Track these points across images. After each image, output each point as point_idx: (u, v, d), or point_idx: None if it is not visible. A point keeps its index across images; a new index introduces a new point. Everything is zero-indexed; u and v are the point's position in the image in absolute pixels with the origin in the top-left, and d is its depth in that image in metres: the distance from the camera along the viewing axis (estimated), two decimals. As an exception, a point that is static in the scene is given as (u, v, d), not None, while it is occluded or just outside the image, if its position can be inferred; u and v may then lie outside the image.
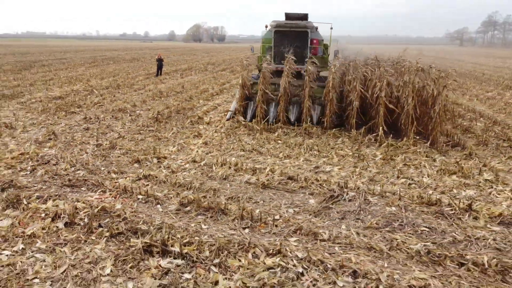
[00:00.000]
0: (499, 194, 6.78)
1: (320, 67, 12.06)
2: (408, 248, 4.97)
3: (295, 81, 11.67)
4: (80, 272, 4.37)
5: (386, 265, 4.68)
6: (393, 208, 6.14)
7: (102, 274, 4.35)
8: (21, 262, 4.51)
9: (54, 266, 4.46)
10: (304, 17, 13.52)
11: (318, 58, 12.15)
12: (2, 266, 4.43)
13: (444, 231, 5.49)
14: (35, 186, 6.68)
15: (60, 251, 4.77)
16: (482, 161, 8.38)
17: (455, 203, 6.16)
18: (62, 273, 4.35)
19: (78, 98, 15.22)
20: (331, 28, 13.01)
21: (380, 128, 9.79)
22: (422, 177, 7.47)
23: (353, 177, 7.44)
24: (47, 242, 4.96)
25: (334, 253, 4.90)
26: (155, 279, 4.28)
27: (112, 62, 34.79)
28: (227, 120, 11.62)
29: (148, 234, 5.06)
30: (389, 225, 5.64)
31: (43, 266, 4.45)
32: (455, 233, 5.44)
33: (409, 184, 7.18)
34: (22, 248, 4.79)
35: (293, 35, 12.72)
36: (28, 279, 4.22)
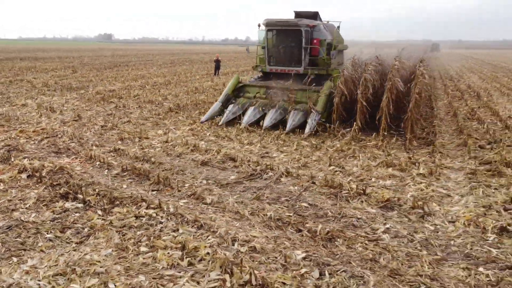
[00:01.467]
0: (414, 185, 6.96)
1: (319, 69, 12.03)
2: (264, 215, 5.70)
3: (286, 84, 11.60)
4: (9, 203, 5.98)
5: (237, 224, 5.50)
6: (295, 188, 6.80)
7: (21, 207, 5.89)
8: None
9: (-4, 198, 6.15)
10: (314, 15, 12.90)
11: (320, 59, 12.19)
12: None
13: (322, 208, 6.05)
14: (32, 151, 8.63)
15: (10, 191, 6.45)
16: (437, 159, 8.38)
17: (351, 188, 6.60)
18: (-2, 203, 6.00)
19: (126, 91, 17.65)
20: (338, 27, 13.14)
21: (354, 123, 10.13)
22: (354, 167, 7.85)
23: (290, 162, 8.12)
24: (7, 184, 6.70)
25: (203, 213, 5.83)
26: (53, 213, 5.70)
27: (188, 63, 38.03)
28: (201, 122, 11.46)
29: (71, 185, 6.52)
30: (277, 199, 6.35)
31: (-11, 198, 6.16)
32: (330, 210, 5.97)
33: (336, 171, 7.65)
34: (-13, 186, 6.59)
35: (287, 34, 12.36)
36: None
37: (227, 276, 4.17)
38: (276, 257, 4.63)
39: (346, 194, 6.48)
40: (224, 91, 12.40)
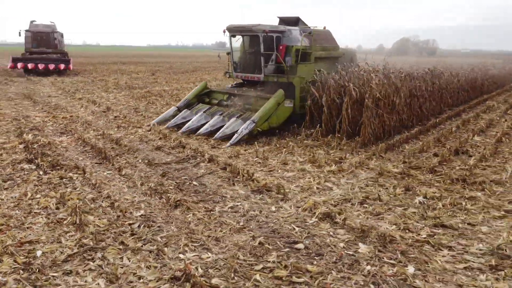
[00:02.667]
0: (309, 179, 7.61)
1: (279, 77, 11.52)
2: (149, 186, 7.05)
3: (244, 91, 11.98)
4: (-8, 162, 8.28)
5: (125, 190, 6.95)
6: (202, 171, 7.99)
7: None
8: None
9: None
10: (295, 21, 12.62)
11: (284, 67, 11.47)
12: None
13: (207, 187, 7.17)
14: (47, 131, 11.13)
15: (3, 155, 8.80)
16: (368, 159, 8.74)
17: (244, 174, 7.56)
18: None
19: (176, 91, 20.11)
20: (310, 33, 11.93)
21: (318, 125, 10.77)
22: (273, 160, 8.70)
23: (225, 153, 9.26)
24: (5, 152, 9.09)
25: (110, 180, 7.40)
26: (12, 170, 7.80)
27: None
28: (148, 125, 11.83)
29: (43, 154, 8.62)
30: (178, 178, 7.64)
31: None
32: (210, 189, 7.08)
33: (258, 162, 8.59)
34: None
35: (248, 40, 12.20)
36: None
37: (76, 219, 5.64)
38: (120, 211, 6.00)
39: (237, 179, 7.49)
40: (185, 96, 12.95)
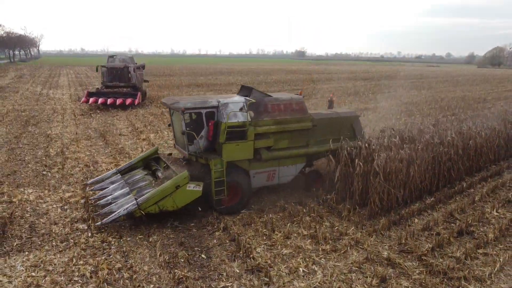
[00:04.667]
0: (300, 259, 8.69)
1: (197, 156, 10.74)
2: (162, 255, 8.67)
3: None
4: None
5: (142, 255, 8.66)
6: (214, 241, 9.45)
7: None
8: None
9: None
10: (250, 90, 11.74)
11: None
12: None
13: (210, 261, 8.63)
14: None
15: (66, 209, 11.06)
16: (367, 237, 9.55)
17: (245, 250, 8.88)
18: None
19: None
20: (259, 104, 11.15)
21: (333, 192, 11.71)
22: (279, 232, 9.86)
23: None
24: (69, 207, 11.36)
25: (129, 248, 9.18)
26: (82, 247, 9.95)
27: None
28: (85, 183, 12.53)
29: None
30: (191, 249, 9.19)
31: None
32: (212, 264, 8.52)
33: (265, 234, 9.83)
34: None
35: (176, 116, 11.41)
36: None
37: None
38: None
39: (238, 254, 8.84)
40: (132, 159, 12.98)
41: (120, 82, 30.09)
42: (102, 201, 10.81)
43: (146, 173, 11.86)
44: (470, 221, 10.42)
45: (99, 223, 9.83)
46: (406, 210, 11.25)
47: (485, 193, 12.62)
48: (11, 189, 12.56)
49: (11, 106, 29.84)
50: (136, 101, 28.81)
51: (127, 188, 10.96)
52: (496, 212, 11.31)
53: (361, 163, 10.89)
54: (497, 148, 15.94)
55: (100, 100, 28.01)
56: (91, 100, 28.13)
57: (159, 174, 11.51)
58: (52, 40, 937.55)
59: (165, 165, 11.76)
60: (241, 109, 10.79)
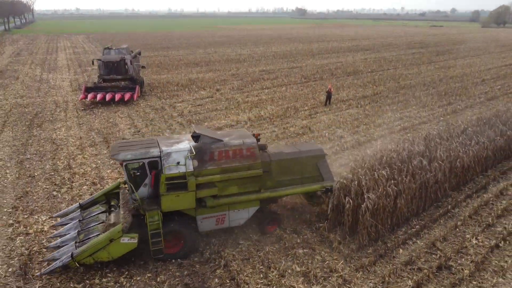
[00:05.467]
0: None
1: (135, 205, 10.87)
2: None
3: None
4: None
5: (155, 303, 9.68)
6: (216, 280, 10.45)
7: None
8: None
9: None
10: (198, 137, 11.50)
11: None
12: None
13: (213, 304, 9.65)
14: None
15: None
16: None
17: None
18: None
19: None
20: (208, 152, 11.03)
21: (325, 221, 12.60)
22: (274, 270, 10.85)
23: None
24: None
25: (148, 288, 10.19)
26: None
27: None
28: (51, 216, 12.88)
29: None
30: (196, 288, 10.20)
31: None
32: (215, 307, 9.55)
33: (261, 271, 10.82)
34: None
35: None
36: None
37: None
38: None
39: None
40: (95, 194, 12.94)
41: (117, 75, 30.01)
42: (51, 244, 11.20)
43: (103, 210, 12.04)
44: (449, 254, 11.37)
45: (38, 273, 10.34)
46: (393, 238, 12.19)
47: (468, 216, 13.50)
48: (25, 216, 13.48)
49: (13, 99, 30.33)
50: (135, 96, 28.99)
51: (76, 232, 11.24)
52: (476, 239, 12.23)
53: (350, 200, 11.70)
54: (485, 160, 16.67)
55: (98, 97, 27.97)
56: (89, 96, 28.03)
57: (108, 216, 11.66)
58: (47, 1, 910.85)
59: (119, 204, 11.68)
60: (187, 157, 10.55)
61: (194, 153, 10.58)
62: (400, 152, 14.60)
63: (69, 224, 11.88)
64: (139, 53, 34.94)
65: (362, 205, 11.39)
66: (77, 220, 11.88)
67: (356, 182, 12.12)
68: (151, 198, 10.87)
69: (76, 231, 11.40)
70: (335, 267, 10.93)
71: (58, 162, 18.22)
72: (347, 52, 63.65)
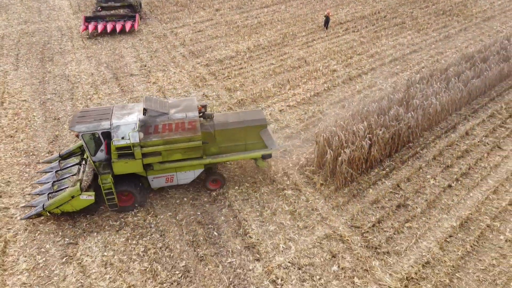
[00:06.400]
0: (282, 235, 12.73)
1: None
2: (189, 233, 12.76)
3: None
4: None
5: (177, 237, 12.75)
6: (222, 218, 13.41)
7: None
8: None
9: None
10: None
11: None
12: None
13: (220, 238, 12.71)
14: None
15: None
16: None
17: (243, 227, 12.88)
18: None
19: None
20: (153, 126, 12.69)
21: (311, 166, 15.19)
22: (268, 209, 13.72)
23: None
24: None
25: (166, 228, 13.20)
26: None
27: None
28: (38, 162, 15.63)
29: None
30: (206, 226, 13.22)
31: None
32: (222, 241, 12.62)
33: (257, 210, 13.70)
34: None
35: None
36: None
37: None
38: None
39: (239, 232, 12.87)
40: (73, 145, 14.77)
41: (116, 2, 29.85)
42: (33, 192, 13.78)
43: (77, 162, 13.93)
44: (409, 194, 14.11)
45: (19, 218, 13.17)
46: (366, 179, 14.87)
47: (432, 158, 15.98)
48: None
49: (18, 25, 31.00)
50: (136, 25, 29.08)
51: (51, 183, 13.44)
52: (434, 180, 14.87)
53: (331, 152, 14.12)
54: (459, 101, 18.58)
55: (99, 28, 28.17)
56: (90, 28, 28.35)
57: (80, 168, 13.46)
58: None
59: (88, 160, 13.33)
60: (134, 129, 12.19)
61: (139, 128, 12.31)
62: (380, 102, 16.55)
63: (49, 174, 14.01)
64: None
65: (339, 158, 13.83)
66: (53, 171, 13.91)
67: (336, 137, 14.39)
68: (107, 161, 12.85)
69: (52, 181, 13.54)
70: (316, 206, 13.78)
71: (76, 103, 20.29)
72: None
